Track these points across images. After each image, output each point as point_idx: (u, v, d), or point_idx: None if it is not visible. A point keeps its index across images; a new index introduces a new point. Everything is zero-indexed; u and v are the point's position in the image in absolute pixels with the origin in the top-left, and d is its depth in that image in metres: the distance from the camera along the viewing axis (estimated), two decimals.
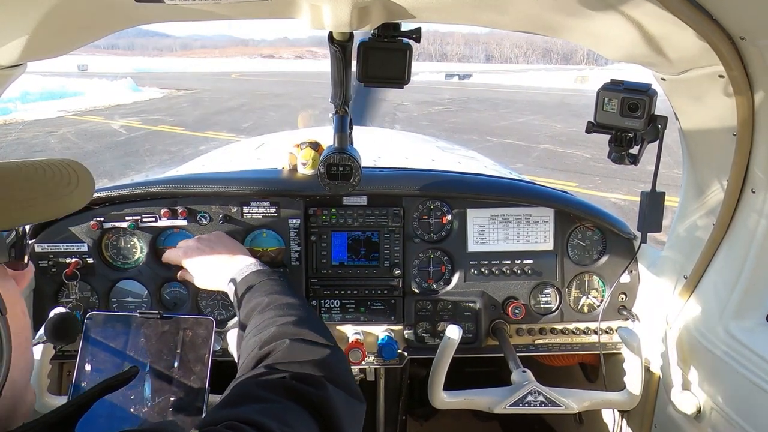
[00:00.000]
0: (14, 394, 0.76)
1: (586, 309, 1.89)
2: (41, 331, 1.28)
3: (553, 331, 1.86)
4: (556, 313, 1.87)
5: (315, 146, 1.78)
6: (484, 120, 19.56)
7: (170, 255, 1.65)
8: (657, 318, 1.70)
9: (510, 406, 1.56)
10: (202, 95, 28.96)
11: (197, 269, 1.57)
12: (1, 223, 0.73)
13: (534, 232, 1.86)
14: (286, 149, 1.85)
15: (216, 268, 1.53)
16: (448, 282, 1.85)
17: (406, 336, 1.83)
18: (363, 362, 1.73)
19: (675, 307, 1.60)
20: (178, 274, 1.67)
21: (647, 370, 1.72)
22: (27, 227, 1.64)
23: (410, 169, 2.01)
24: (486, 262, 1.85)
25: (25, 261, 0.87)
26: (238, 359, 1.24)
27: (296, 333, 1.15)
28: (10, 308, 0.76)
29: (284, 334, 1.14)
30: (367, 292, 1.83)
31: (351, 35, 1.23)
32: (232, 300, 1.46)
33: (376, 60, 1.25)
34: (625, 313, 1.84)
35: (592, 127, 1.34)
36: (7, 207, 0.73)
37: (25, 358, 0.81)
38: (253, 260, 1.53)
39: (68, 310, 1.39)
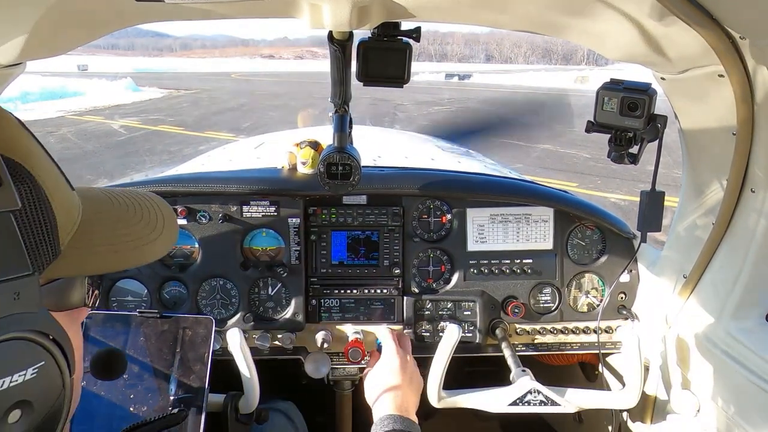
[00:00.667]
0: None
1: (585, 308, 1.89)
2: (86, 363, 1.23)
3: (552, 330, 1.87)
4: (555, 312, 1.87)
5: (315, 145, 1.78)
6: None
7: (389, 342, 1.54)
8: (656, 317, 1.70)
9: (509, 405, 1.56)
10: (202, 95, 28.95)
11: (372, 382, 1.45)
12: (89, 268, 0.70)
13: (534, 232, 1.86)
14: (285, 148, 1.85)
15: (385, 395, 1.40)
16: (448, 281, 1.85)
17: (406, 335, 1.83)
18: (362, 361, 1.73)
19: (674, 307, 1.60)
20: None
21: (646, 369, 1.72)
22: None
23: (410, 169, 2.01)
24: (485, 262, 1.85)
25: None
26: None
27: None
28: (77, 359, 0.71)
29: None
30: (366, 291, 1.83)
31: (351, 35, 1.23)
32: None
33: (375, 59, 1.25)
34: (624, 312, 1.84)
35: (592, 127, 1.34)
36: (97, 252, 0.69)
37: (75, 406, 0.74)
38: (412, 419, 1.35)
39: (115, 347, 1.35)
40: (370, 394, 1.43)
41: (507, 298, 1.85)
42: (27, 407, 0.60)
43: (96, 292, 0.78)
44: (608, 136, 1.35)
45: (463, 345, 1.76)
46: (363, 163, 1.50)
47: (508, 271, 1.85)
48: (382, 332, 1.62)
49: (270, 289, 1.82)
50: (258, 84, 39.55)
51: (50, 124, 17.40)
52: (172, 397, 1.39)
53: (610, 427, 1.94)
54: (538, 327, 1.87)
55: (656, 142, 1.29)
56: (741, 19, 0.99)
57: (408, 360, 1.51)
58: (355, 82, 1.35)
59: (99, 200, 0.74)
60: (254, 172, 1.93)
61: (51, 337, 0.63)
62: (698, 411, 1.50)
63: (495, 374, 1.88)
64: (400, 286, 1.84)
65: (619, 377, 1.68)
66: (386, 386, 1.39)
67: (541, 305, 1.88)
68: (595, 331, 1.84)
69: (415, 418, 1.33)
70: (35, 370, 0.60)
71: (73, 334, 0.69)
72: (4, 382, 0.57)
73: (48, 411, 0.63)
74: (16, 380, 0.58)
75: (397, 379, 1.41)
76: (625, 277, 1.83)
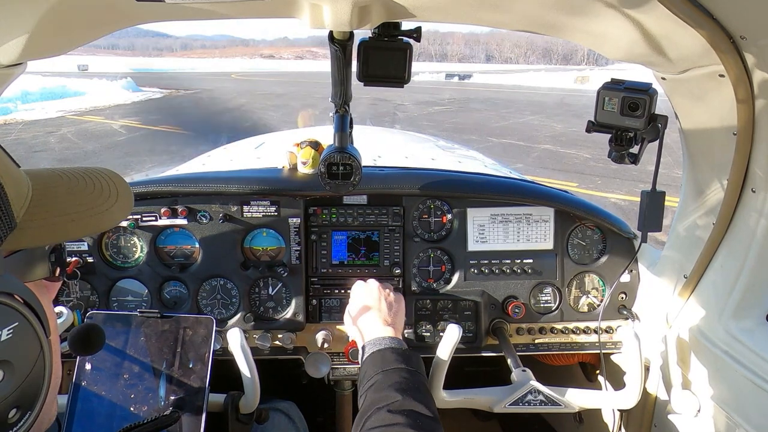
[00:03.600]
0: (45, 410, 0.75)
1: (586, 308, 1.89)
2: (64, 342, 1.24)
3: (553, 330, 1.86)
4: (556, 312, 1.87)
5: (315, 145, 1.78)
6: (484, 120, 19.56)
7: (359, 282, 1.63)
8: (657, 317, 1.70)
9: (510, 405, 1.56)
10: (202, 95, 28.95)
11: (354, 305, 1.53)
12: (48, 238, 0.73)
13: (534, 232, 1.86)
14: (286, 148, 1.85)
15: (367, 318, 1.46)
16: (448, 281, 1.85)
17: (405, 335, 1.83)
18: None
19: (675, 307, 1.60)
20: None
21: (647, 369, 1.72)
22: None
23: (410, 169, 2.01)
24: (486, 262, 1.85)
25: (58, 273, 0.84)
26: None
27: None
28: (52, 327, 0.74)
29: None
30: None
31: (351, 34, 1.23)
32: (359, 357, 1.38)
33: (376, 59, 1.25)
34: (625, 312, 1.84)
35: (593, 127, 1.34)
36: (54, 222, 0.72)
37: (57, 375, 0.79)
38: (395, 338, 1.38)
39: (93, 322, 1.36)
40: (349, 327, 1.49)
41: (507, 298, 1.85)
42: (7, 367, 0.63)
43: (58, 268, 0.82)
44: (609, 136, 1.35)
45: (463, 345, 1.76)
46: (363, 163, 1.50)
47: (508, 271, 1.85)
48: (372, 281, 1.63)
49: (270, 289, 1.82)
50: (258, 84, 39.55)
51: (50, 124, 17.40)
52: (172, 397, 1.39)
53: (610, 427, 1.94)
54: (538, 327, 1.87)
55: (657, 142, 1.29)
56: (741, 18, 0.98)
57: (375, 285, 1.57)
58: (355, 82, 1.35)
59: (48, 176, 0.77)
60: (255, 172, 1.93)
61: (22, 300, 0.67)
62: (698, 411, 1.50)
63: (495, 374, 1.88)
64: (400, 286, 1.84)
65: (619, 377, 1.67)
66: (363, 312, 1.45)
67: (542, 305, 1.88)
68: (595, 331, 1.84)
69: (397, 335, 1.39)
70: (10, 331, 0.63)
71: (45, 306, 0.73)
72: None
73: (29, 373, 0.66)
74: None
75: (372, 303, 1.49)
76: (625, 277, 1.83)
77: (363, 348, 1.36)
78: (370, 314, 1.47)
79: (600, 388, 1.69)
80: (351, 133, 1.53)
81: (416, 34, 1.24)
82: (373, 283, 1.61)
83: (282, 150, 1.88)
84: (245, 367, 1.50)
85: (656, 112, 1.26)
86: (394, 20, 1.20)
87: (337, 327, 1.83)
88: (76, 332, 1.11)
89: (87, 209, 0.77)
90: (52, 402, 0.81)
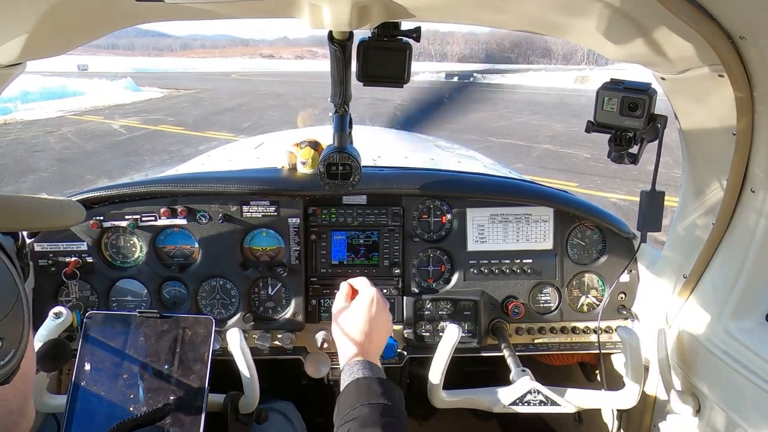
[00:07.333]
0: (26, 387, 0.77)
1: (585, 308, 1.89)
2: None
3: (552, 330, 1.87)
4: (555, 312, 1.87)
5: (314, 145, 1.78)
6: (484, 120, 19.56)
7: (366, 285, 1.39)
8: (656, 317, 1.70)
9: (509, 405, 1.57)
10: (202, 95, 28.94)
11: (341, 323, 1.33)
12: (9, 225, 0.82)
13: (533, 232, 1.86)
14: (285, 148, 1.85)
15: (352, 335, 1.30)
16: (448, 281, 1.85)
17: (405, 335, 1.83)
18: None
19: (674, 307, 1.60)
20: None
21: (646, 369, 1.72)
22: (25, 234, 1.65)
23: (410, 169, 2.01)
24: (485, 262, 1.85)
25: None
26: None
27: None
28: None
29: None
30: None
31: (351, 34, 1.22)
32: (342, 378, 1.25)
33: (375, 59, 1.25)
34: (624, 312, 1.84)
35: (592, 127, 1.34)
36: (15, 214, 0.80)
37: (29, 361, 0.81)
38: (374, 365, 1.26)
39: (56, 338, 1.40)
40: (339, 333, 1.31)
41: (507, 298, 1.85)
42: None
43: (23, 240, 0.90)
44: (608, 136, 1.35)
45: (463, 345, 1.76)
46: (363, 163, 1.50)
47: (508, 271, 1.85)
48: (360, 281, 1.40)
49: (270, 289, 1.82)
50: (258, 84, 39.54)
51: (50, 124, 17.39)
52: (172, 397, 1.39)
53: (609, 427, 1.94)
54: (538, 327, 1.87)
55: (656, 142, 1.29)
56: (741, 18, 0.98)
57: (382, 304, 1.36)
58: (355, 82, 1.35)
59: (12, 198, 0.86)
60: (254, 172, 1.93)
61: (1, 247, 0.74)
62: (698, 411, 1.50)
63: (495, 374, 1.88)
64: (400, 286, 1.84)
65: (619, 377, 1.67)
66: (358, 330, 1.29)
67: (541, 305, 1.88)
68: (595, 331, 1.84)
69: (378, 362, 1.27)
70: None
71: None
72: None
73: (9, 310, 0.71)
74: None
75: (368, 325, 1.30)
76: (625, 277, 1.83)
77: (344, 367, 1.23)
78: (355, 325, 1.31)
79: (599, 388, 1.68)
80: (350, 133, 1.53)
81: (416, 34, 1.24)
82: (367, 290, 1.39)
83: (281, 150, 1.88)
84: (245, 367, 1.50)
85: (656, 112, 1.26)
86: (394, 20, 1.19)
87: None
88: (41, 353, 1.20)
89: (46, 212, 0.86)
90: (28, 398, 0.83)
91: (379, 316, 1.33)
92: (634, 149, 1.34)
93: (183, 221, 1.75)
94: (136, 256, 1.80)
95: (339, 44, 1.22)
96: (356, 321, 1.30)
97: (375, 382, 1.17)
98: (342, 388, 1.20)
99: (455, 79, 48.11)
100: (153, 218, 1.75)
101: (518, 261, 1.85)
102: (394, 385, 1.20)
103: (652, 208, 1.38)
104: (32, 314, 1.73)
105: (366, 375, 1.19)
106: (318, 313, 1.83)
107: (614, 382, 1.75)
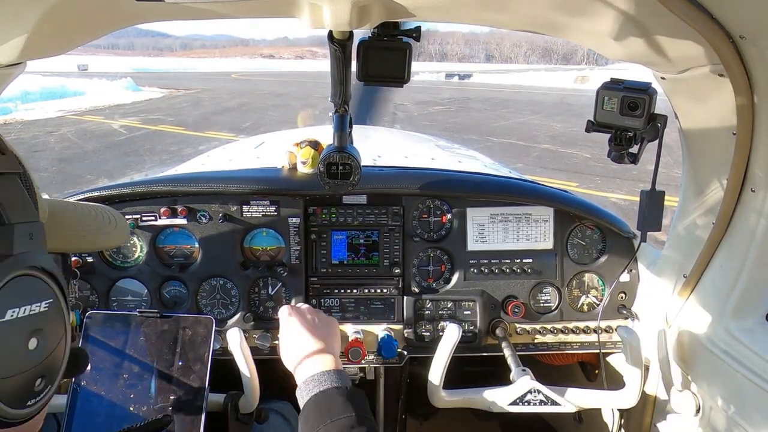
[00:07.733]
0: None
1: (585, 308, 1.89)
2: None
3: (552, 330, 1.86)
4: (555, 312, 1.87)
5: (315, 145, 1.78)
6: (484, 120, 19.56)
7: (283, 312, 1.44)
8: (657, 317, 1.70)
9: (509, 405, 1.57)
10: (202, 95, 28.94)
11: (285, 342, 1.37)
12: (59, 247, 0.86)
13: (534, 231, 1.86)
14: (285, 148, 1.85)
15: (297, 352, 1.33)
16: (448, 281, 1.85)
17: (405, 335, 1.83)
18: (363, 361, 1.73)
19: (675, 306, 1.60)
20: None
21: (646, 369, 1.72)
22: None
23: (410, 168, 2.01)
24: (486, 261, 1.85)
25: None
26: None
27: None
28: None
29: None
30: (366, 291, 1.83)
31: (351, 34, 1.22)
32: (298, 395, 1.25)
33: (375, 59, 1.25)
34: (624, 312, 1.84)
35: (592, 126, 1.34)
36: (68, 236, 0.88)
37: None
38: (334, 368, 1.26)
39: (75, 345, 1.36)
40: (287, 362, 1.35)
41: (507, 297, 1.85)
42: (41, 337, 0.68)
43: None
44: (608, 135, 1.35)
45: (463, 345, 1.76)
46: (363, 163, 1.50)
47: (508, 270, 1.85)
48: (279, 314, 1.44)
49: (270, 288, 1.82)
50: (258, 84, 39.55)
51: (50, 124, 17.40)
52: (172, 397, 1.39)
53: (610, 427, 1.94)
54: (538, 327, 1.87)
55: (656, 142, 1.29)
56: (741, 18, 0.98)
57: (305, 314, 1.40)
58: (355, 82, 1.35)
59: (60, 202, 0.95)
60: (254, 171, 1.93)
61: (56, 279, 0.73)
62: (698, 411, 1.50)
63: (495, 374, 1.88)
64: (400, 286, 1.84)
65: (619, 377, 1.68)
66: (297, 349, 1.31)
67: (541, 305, 1.88)
68: (595, 331, 1.84)
69: (333, 365, 1.25)
70: (47, 305, 0.69)
71: None
72: (25, 309, 0.65)
73: (55, 347, 0.71)
74: (34, 310, 0.67)
75: (304, 338, 1.33)
76: (625, 277, 1.83)
77: (301, 386, 1.23)
78: (303, 342, 1.33)
79: (600, 388, 1.68)
80: (350, 132, 1.53)
81: (416, 33, 1.24)
82: (300, 307, 1.45)
83: (281, 150, 1.88)
84: (245, 366, 1.50)
85: (656, 112, 1.26)
86: (394, 20, 1.19)
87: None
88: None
89: (94, 230, 0.94)
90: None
91: (298, 324, 1.35)
92: (634, 149, 1.34)
93: (183, 221, 1.75)
94: (136, 255, 1.80)
95: (339, 44, 1.22)
96: (288, 345, 1.34)
97: (333, 390, 1.16)
98: (301, 405, 1.19)
99: (455, 79, 48.11)
100: (153, 218, 1.75)
101: (518, 261, 1.85)
102: (354, 389, 1.19)
103: (652, 207, 1.38)
104: None
105: (324, 387, 1.18)
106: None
107: (614, 382, 1.75)
